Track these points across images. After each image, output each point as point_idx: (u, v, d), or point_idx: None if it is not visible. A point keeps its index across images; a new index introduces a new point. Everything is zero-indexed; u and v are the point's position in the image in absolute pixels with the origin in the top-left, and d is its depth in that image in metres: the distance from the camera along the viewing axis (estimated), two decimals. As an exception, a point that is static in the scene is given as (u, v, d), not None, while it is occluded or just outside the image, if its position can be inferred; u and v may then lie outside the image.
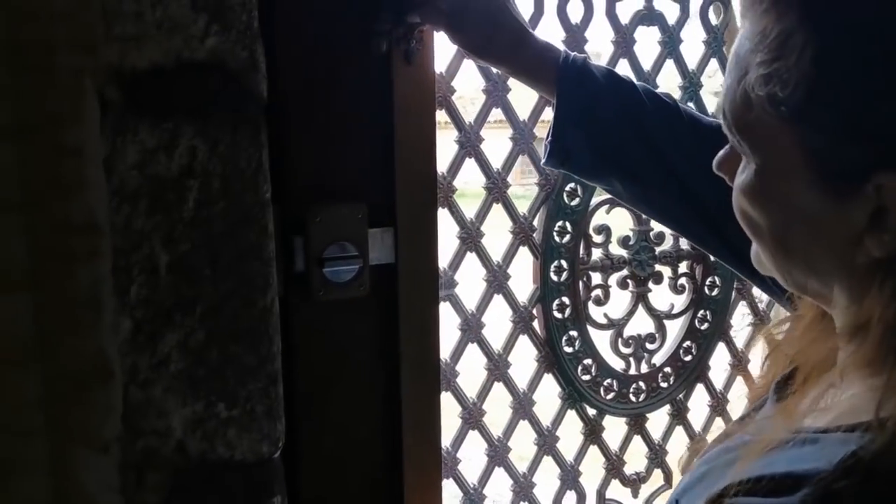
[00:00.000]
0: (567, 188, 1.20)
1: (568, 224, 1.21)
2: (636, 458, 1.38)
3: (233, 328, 0.64)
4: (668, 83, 1.24)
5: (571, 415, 1.29)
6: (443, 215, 1.01)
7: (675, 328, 1.36)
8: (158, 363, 0.62)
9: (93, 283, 0.57)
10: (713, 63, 1.29)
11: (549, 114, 1.06)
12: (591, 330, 1.27)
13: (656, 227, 1.29)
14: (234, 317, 0.64)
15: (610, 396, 1.30)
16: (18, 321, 0.57)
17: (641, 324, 1.33)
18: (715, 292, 1.36)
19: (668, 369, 1.35)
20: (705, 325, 1.36)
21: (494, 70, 1.09)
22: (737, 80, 0.54)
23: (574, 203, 1.21)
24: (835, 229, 0.52)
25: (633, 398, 1.33)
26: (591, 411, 1.30)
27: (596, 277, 1.26)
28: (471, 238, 1.15)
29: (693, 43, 1.26)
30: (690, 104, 1.24)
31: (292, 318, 0.86)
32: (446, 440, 1.10)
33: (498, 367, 1.20)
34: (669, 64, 1.25)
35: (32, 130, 0.56)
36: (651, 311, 1.33)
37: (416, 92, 0.91)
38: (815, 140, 0.51)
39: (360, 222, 0.89)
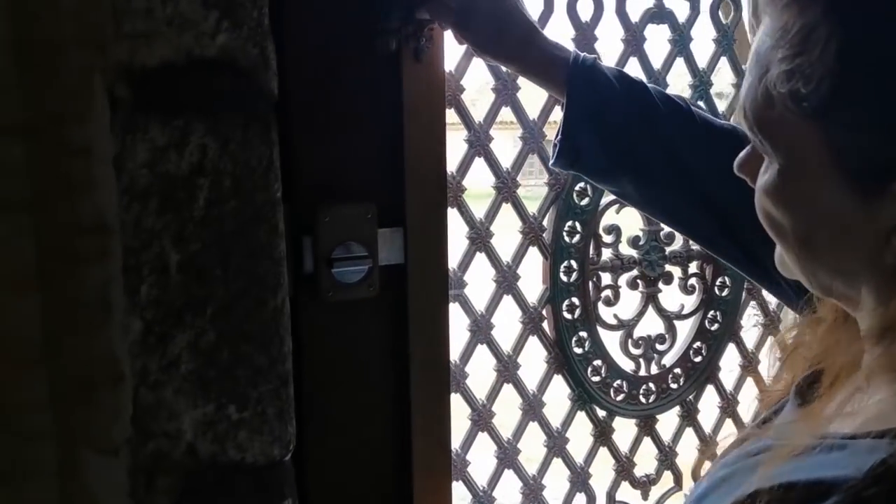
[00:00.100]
0: (577, 188, 1.19)
1: (578, 224, 1.20)
2: (646, 459, 1.37)
3: (244, 328, 0.63)
4: (678, 82, 1.23)
5: (581, 416, 1.28)
6: (452, 215, 1.00)
7: (685, 329, 1.35)
8: (169, 364, 0.61)
9: (102, 283, 0.56)
10: (722, 61, 1.28)
11: (555, 115, 1.06)
12: (600, 331, 1.26)
13: (666, 227, 1.28)
14: (246, 317, 0.63)
15: (620, 398, 1.29)
16: (27, 322, 0.56)
17: (651, 324, 1.32)
18: (725, 293, 1.35)
19: (678, 370, 1.34)
20: (715, 326, 1.35)
21: (504, 69, 1.08)
22: (758, 77, 0.53)
23: (584, 203, 1.20)
24: (862, 229, 0.50)
25: (642, 399, 1.32)
26: (601, 413, 1.29)
27: (606, 278, 1.25)
28: (480, 238, 1.14)
29: (703, 41, 1.25)
30: (700, 103, 1.23)
31: (301, 319, 0.85)
32: (455, 442, 1.09)
33: (507, 369, 1.19)
34: (679, 63, 1.24)
35: (41, 129, 0.55)
36: (661, 311, 1.32)
37: (426, 90, 0.90)
38: (840, 137, 0.49)
39: (370, 222, 0.88)
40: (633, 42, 1.19)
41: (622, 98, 0.86)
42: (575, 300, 1.22)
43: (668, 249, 1.29)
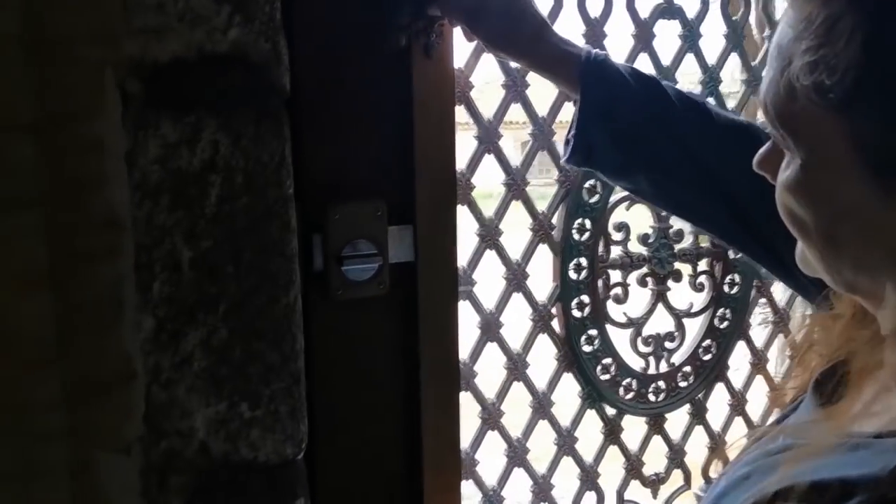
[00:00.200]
0: (587, 185, 1.18)
1: (587, 221, 1.20)
2: (656, 458, 1.36)
3: (256, 326, 0.63)
4: (688, 78, 1.22)
5: (590, 415, 1.27)
6: (461, 213, 1.00)
7: (694, 327, 1.35)
8: (181, 362, 0.60)
9: (115, 280, 0.56)
10: (734, 58, 1.28)
11: (562, 115, 1.06)
12: (610, 329, 1.25)
13: (676, 224, 1.27)
14: (258, 314, 0.63)
15: (629, 396, 1.29)
16: (38, 320, 0.56)
17: (661, 322, 1.31)
18: (734, 290, 1.34)
19: (687, 368, 1.33)
20: (725, 324, 1.34)
21: (513, 65, 1.07)
22: (780, 70, 0.52)
23: (593, 200, 1.19)
24: (887, 224, 0.50)
25: (652, 398, 1.31)
26: (611, 411, 1.29)
27: (615, 275, 1.24)
28: (489, 236, 1.13)
29: (713, 37, 1.25)
30: (710, 99, 1.23)
31: (310, 318, 0.84)
32: (464, 441, 1.09)
33: (517, 367, 1.19)
34: (689, 59, 1.23)
35: (52, 125, 0.54)
36: (670, 309, 1.31)
37: (436, 87, 0.90)
38: (864, 130, 0.48)
39: (379, 220, 0.87)
40: (643, 38, 1.18)
41: (636, 94, 0.86)
42: (584, 298, 1.22)
43: (677, 247, 1.28)
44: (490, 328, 1.15)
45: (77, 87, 0.54)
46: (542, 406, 1.22)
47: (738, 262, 1.32)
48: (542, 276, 1.21)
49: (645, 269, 1.27)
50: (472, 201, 1.10)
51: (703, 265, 1.32)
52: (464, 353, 1.08)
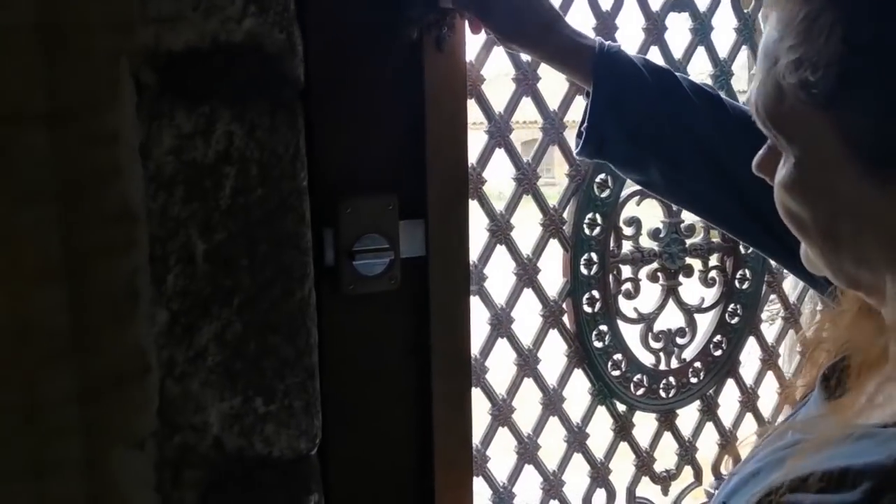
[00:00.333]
0: (597, 179, 1.17)
1: (598, 216, 1.19)
2: (666, 454, 1.35)
3: (270, 319, 0.62)
4: (699, 71, 1.21)
5: (601, 411, 1.27)
6: (471, 207, 0.99)
7: (705, 322, 1.34)
8: (195, 356, 0.60)
9: (129, 273, 0.55)
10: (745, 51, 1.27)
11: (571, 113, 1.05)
12: (621, 324, 1.24)
13: (687, 219, 1.26)
14: (272, 308, 0.62)
15: (640, 392, 1.28)
16: (53, 314, 0.55)
17: (671, 318, 1.30)
18: (745, 286, 1.33)
19: (698, 364, 1.32)
20: (736, 319, 1.33)
21: (524, 58, 1.07)
22: (766, 71, 0.52)
23: (604, 195, 1.19)
24: (883, 217, 0.50)
25: (662, 394, 1.30)
26: (621, 407, 1.28)
27: (626, 271, 1.24)
28: (500, 231, 1.12)
29: (725, 31, 1.24)
30: (721, 93, 1.22)
31: (321, 312, 0.83)
32: (475, 437, 1.08)
33: (527, 363, 1.18)
34: (700, 52, 1.22)
35: (67, 116, 0.54)
36: (681, 304, 1.30)
37: (447, 80, 0.89)
38: (852, 124, 0.48)
39: (391, 214, 0.87)
40: (654, 31, 1.18)
41: (649, 86, 0.85)
42: (595, 293, 1.21)
43: (688, 242, 1.28)
44: (501, 323, 1.14)
45: (91, 76, 0.54)
46: (552, 402, 1.21)
47: (749, 257, 1.31)
48: (552, 271, 1.20)
49: (656, 265, 1.26)
50: (482, 196, 1.09)
51: (714, 260, 1.31)
52: (474, 348, 1.07)
